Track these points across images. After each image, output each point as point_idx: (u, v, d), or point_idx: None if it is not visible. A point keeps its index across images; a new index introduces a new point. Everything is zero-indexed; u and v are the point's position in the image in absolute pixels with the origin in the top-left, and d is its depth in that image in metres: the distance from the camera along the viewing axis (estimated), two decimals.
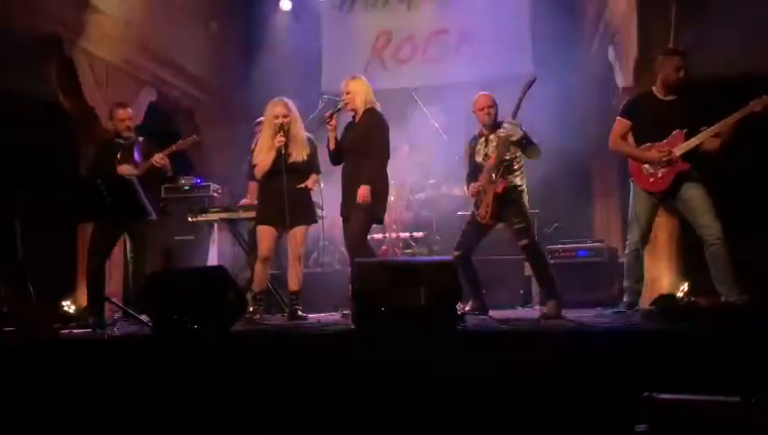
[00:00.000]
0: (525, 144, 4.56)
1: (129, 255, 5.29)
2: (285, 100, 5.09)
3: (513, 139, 4.51)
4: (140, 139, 5.37)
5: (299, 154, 5.03)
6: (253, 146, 5.25)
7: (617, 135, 4.58)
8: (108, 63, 6.82)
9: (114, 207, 4.45)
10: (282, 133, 4.95)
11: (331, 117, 4.87)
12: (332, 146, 4.92)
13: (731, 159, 4.40)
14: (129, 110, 5.45)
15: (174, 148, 5.21)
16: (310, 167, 5.13)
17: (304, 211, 5.11)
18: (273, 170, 5.00)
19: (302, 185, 5.09)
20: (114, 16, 6.76)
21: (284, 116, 5.00)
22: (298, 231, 5.06)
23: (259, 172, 5.08)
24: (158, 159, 5.15)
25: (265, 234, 5.06)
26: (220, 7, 8.91)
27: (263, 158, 5.04)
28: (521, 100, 4.55)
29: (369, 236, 5.02)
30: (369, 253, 4.72)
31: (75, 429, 3.33)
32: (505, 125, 4.55)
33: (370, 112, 4.84)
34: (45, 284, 5.29)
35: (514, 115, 4.56)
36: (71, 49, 6.37)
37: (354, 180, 4.76)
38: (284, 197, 4.89)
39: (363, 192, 4.65)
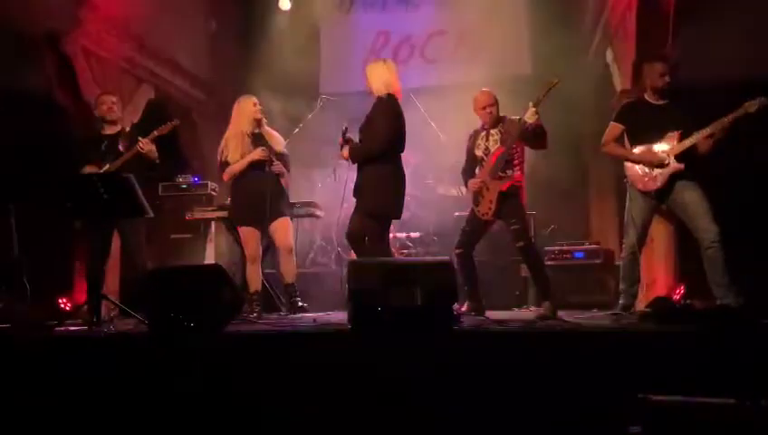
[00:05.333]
0: (538, 133, 4.49)
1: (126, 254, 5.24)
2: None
3: (529, 120, 4.37)
4: (126, 129, 5.29)
5: (277, 148, 5.10)
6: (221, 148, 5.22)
7: (609, 139, 4.62)
8: (106, 61, 6.81)
9: (111, 205, 4.44)
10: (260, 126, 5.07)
11: (344, 141, 4.71)
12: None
13: (726, 160, 4.42)
14: (113, 97, 5.40)
15: (156, 133, 5.10)
16: (281, 160, 5.14)
17: (281, 203, 5.08)
18: (247, 168, 5.02)
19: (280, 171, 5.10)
20: (113, 13, 6.75)
21: (259, 109, 5.11)
22: (281, 224, 5.03)
23: (233, 171, 5.06)
24: (143, 144, 4.99)
25: (249, 235, 5.05)
26: (219, 6, 8.90)
27: (239, 156, 5.04)
28: (539, 101, 4.43)
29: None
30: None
31: (71, 426, 3.33)
32: (528, 114, 4.38)
33: (382, 99, 4.59)
34: (41, 281, 5.28)
35: (537, 105, 4.42)
36: (69, 46, 6.36)
37: (360, 175, 4.66)
38: (266, 194, 4.93)
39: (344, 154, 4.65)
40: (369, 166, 4.59)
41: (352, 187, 4.72)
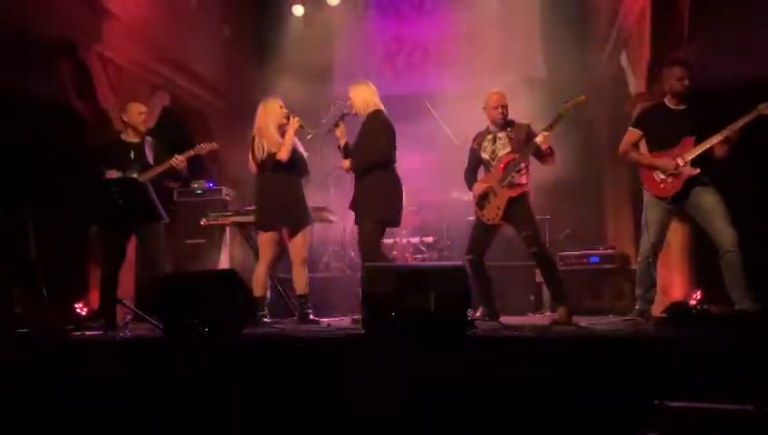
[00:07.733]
0: (548, 155, 4.53)
1: (146, 258, 5.24)
2: None
3: (540, 143, 4.43)
4: (149, 139, 5.33)
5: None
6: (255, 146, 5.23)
7: (627, 144, 4.59)
8: (122, 67, 6.88)
9: (126, 210, 4.47)
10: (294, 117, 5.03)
11: (336, 124, 4.94)
12: (343, 153, 4.94)
13: (743, 164, 4.38)
14: (145, 108, 5.43)
15: (192, 152, 5.20)
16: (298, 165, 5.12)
17: (303, 211, 5.08)
18: (272, 167, 4.99)
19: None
20: (129, 21, 6.82)
21: (285, 113, 5.10)
22: (299, 234, 5.03)
23: (288, 146, 4.96)
24: (178, 160, 5.09)
25: (267, 239, 5.07)
26: (233, 12, 8.96)
27: (274, 144, 4.99)
28: (561, 116, 4.44)
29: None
30: (383, 261, 4.69)
31: (87, 430, 3.35)
32: (539, 138, 4.45)
33: (371, 115, 4.82)
34: (58, 285, 5.31)
35: (550, 129, 4.46)
36: (86, 53, 6.43)
37: (359, 185, 4.78)
38: (290, 197, 5.00)
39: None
40: (367, 177, 4.74)
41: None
